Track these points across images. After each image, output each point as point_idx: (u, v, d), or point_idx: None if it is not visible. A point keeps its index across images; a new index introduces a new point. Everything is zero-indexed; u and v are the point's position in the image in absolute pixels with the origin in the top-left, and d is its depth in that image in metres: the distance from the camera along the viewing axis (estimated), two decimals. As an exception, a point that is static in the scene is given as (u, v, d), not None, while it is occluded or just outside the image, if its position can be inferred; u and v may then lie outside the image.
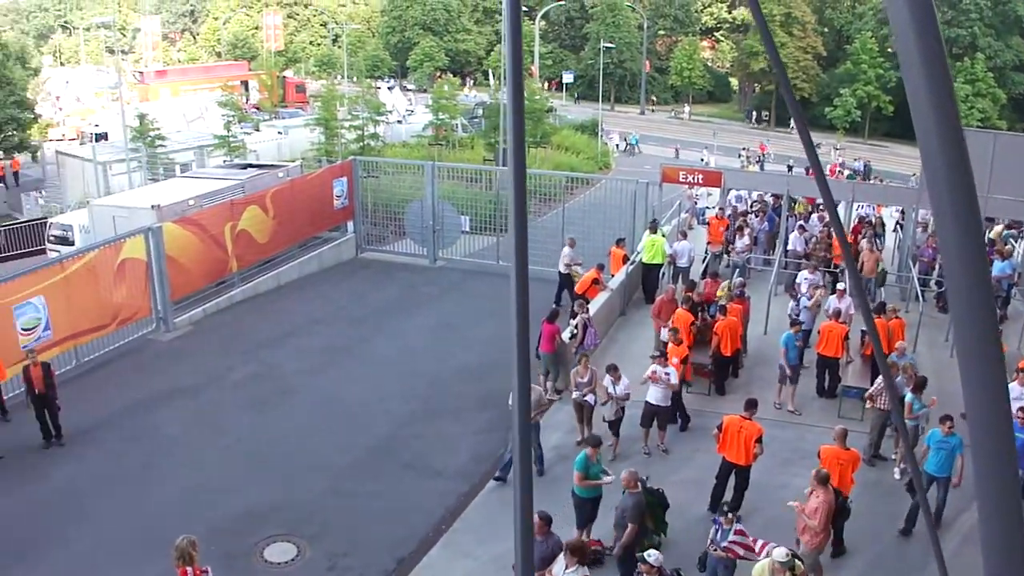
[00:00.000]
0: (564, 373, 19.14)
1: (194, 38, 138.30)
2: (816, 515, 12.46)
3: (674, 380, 16.71)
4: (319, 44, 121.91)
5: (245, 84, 68.98)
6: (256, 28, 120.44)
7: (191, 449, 17.94)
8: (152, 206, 25.05)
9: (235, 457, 17.53)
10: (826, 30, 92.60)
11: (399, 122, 53.96)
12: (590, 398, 16.77)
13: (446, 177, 30.07)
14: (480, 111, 63.56)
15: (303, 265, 28.30)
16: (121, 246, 22.64)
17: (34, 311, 20.36)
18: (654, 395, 16.68)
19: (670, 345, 17.95)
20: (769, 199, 32.30)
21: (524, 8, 62.60)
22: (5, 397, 19.06)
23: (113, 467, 17.31)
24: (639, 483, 13.15)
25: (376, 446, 17.62)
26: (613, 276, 23.76)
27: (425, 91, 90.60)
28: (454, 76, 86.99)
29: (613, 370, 16.46)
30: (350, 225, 30.70)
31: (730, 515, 12.40)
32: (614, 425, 16.78)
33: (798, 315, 20.47)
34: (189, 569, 11.71)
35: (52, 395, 17.85)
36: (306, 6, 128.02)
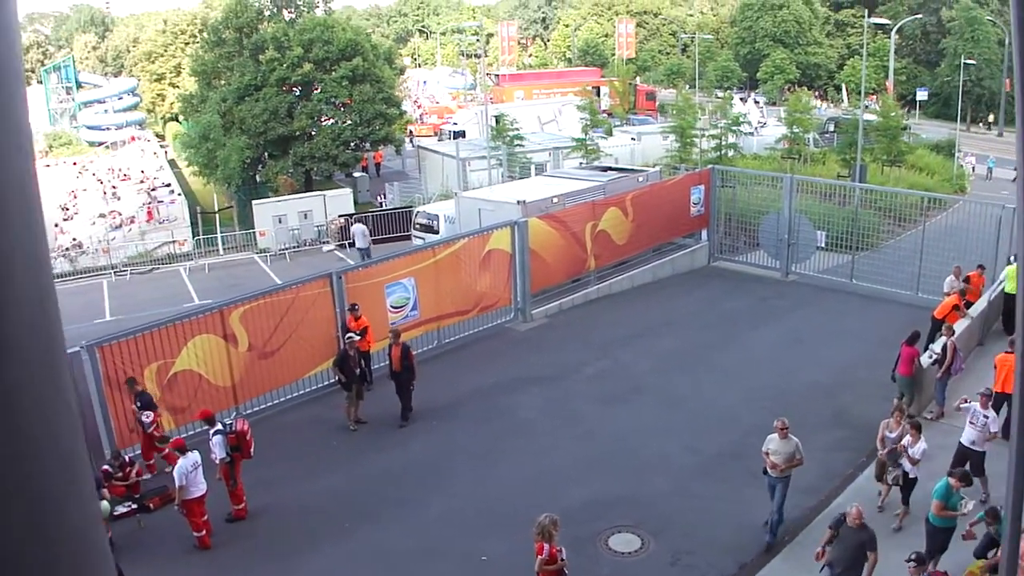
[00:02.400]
0: (919, 397, 18.71)
1: (544, 44, 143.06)
2: None
3: (994, 428, 15.37)
4: (668, 53, 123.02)
5: (597, 90, 70.77)
6: (606, 36, 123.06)
7: (543, 435, 18.99)
8: (518, 201, 26.48)
9: (584, 447, 18.37)
10: None
11: (750, 134, 53.78)
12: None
13: (801, 191, 29.84)
14: (831, 126, 62.18)
15: (657, 269, 29.03)
16: (488, 237, 24.17)
17: (403, 291, 22.19)
18: (967, 436, 15.64)
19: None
20: None
21: (877, 22, 60.49)
22: (374, 367, 20.86)
23: (467, 443, 18.62)
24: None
25: (723, 452, 17.87)
26: (972, 303, 22.86)
27: (774, 104, 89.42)
28: (805, 90, 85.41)
29: (915, 428, 15.20)
30: (704, 233, 31.09)
31: None
32: (903, 490, 15.42)
33: None
34: (547, 546, 12.48)
35: (407, 377, 19.36)
36: (656, 15, 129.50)
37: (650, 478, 16.98)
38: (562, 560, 12.64)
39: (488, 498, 16.46)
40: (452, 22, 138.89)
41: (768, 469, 14.61)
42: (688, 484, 16.81)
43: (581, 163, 42.19)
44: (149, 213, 54.68)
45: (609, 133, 52.21)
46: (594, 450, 18.22)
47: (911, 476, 15.02)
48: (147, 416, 17.78)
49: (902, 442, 15.16)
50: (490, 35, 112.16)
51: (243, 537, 15.97)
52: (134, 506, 16.96)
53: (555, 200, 27.45)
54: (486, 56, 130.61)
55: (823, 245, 28.81)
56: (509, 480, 17.10)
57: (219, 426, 16.22)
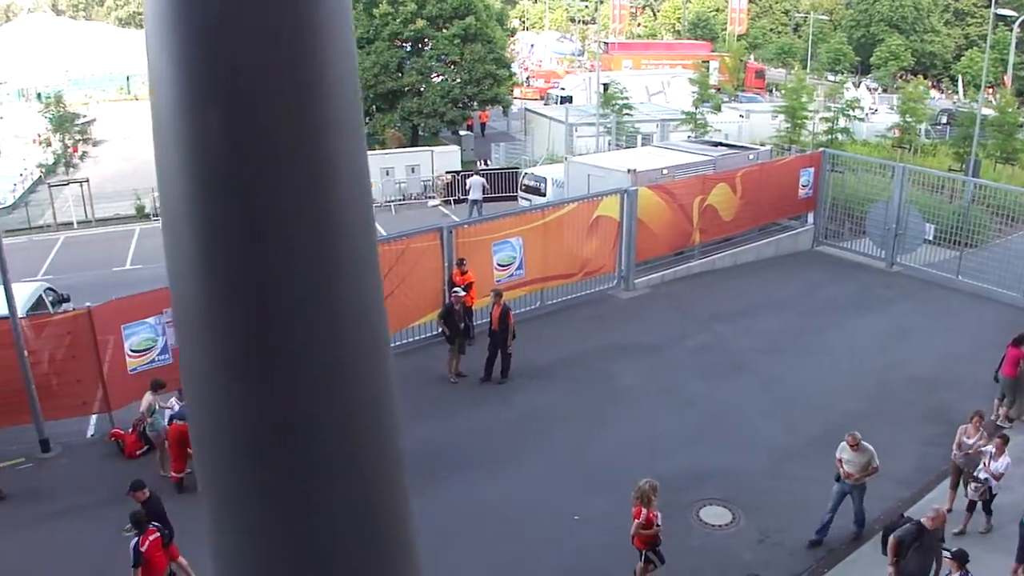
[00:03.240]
0: (1020, 400, 18.47)
1: (654, 14, 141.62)
2: None
3: None
4: (780, 32, 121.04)
5: (706, 64, 70.15)
6: (717, 10, 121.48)
7: (642, 402, 19.17)
8: (629, 170, 26.52)
9: (682, 418, 18.53)
10: None
11: (861, 120, 52.87)
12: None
13: (912, 182, 29.37)
14: (943, 118, 60.79)
15: (760, 249, 28.88)
16: (597, 203, 24.28)
17: (511, 250, 22.44)
18: None
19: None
20: None
21: (1002, 12, 58.79)
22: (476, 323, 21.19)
23: (564, 405, 18.86)
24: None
25: (820, 435, 17.78)
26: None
27: (886, 91, 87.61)
28: (920, 78, 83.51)
29: (1002, 441, 14.82)
30: (810, 216, 30.80)
31: None
32: (985, 505, 14.98)
33: None
34: (644, 510, 12.68)
35: (503, 336, 19.61)
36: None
37: (745, 455, 17.06)
38: (657, 526, 12.84)
39: (583, 460, 16.70)
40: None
41: (841, 476, 14.57)
42: (782, 465, 16.85)
43: (689, 136, 41.95)
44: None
45: (718, 109, 51.77)
46: (692, 422, 18.36)
47: (993, 492, 14.79)
48: None
49: (984, 452, 14.93)
50: (600, 1, 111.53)
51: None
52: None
53: (665, 171, 27.44)
54: (595, 23, 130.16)
55: (931, 238, 28.38)
56: (605, 444, 17.32)
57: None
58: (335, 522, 1.30)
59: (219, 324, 1.22)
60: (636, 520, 12.80)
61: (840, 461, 14.52)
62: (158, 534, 12.62)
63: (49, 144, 53.62)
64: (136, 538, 12.34)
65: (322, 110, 1.20)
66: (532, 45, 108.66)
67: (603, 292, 24.99)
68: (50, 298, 22.70)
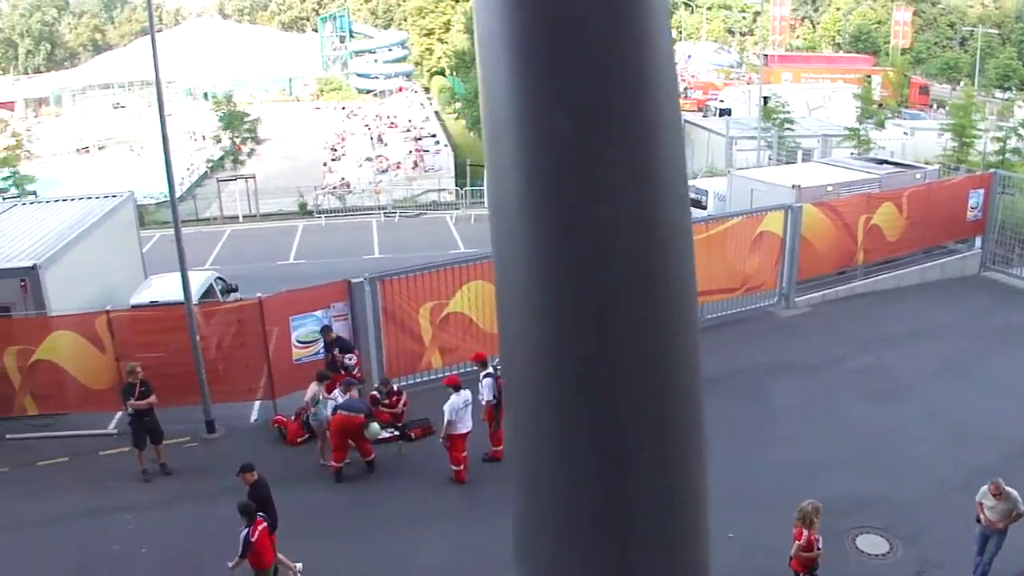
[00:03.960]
0: None
1: (813, 26, 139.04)
2: None
3: None
4: (945, 46, 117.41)
5: (869, 79, 68.56)
6: (879, 23, 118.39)
7: (800, 421, 18.84)
8: (793, 186, 26.12)
9: (841, 440, 18.08)
10: None
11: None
12: None
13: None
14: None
15: (925, 271, 28.01)
16: (761, 219, 23.99)
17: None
18: None
19: None
20: None
21: None
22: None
23: (722, 420, 18.51)
24: None
25: (986, 467, 17.00)
26: None
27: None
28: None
29: None
30: (978, 240, 29.76)
31: None
32: None
33: None
34: (806, 532, 12.45)
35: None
36: (933, 4, 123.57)
37: (906, 483, 16.53)
38: (818, 549, 12.62)
39: (740, 476, 16.45)
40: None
41: (982, 522, 13.98)
42: (945, 495, 16.25)
43: (852, 153, 41.05)
44: (416, 160, 56.80)
45: (881, 125, 50.53)
46: (851, 445, 17.93)
47: None
48: (350, 358, 18.67)
49: None
50: (757, 13, 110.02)
51: (497, 478, 16.61)
52: (396, 433, 17.90)
53: (829, 188, 26.92)
54: (751, 34, 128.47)
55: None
56: (763, 461, 17.08)
57: (490, 369, 16.89)
58: (644, 514, 1.37)
59: (545, 308, 1.30)
60: (797, 542, 12.60)
61: (981, 506, 13.96)
62: (265, 524, 12.92)
63: (219, 140, 55.62)
64: (247, 529, 12.65)
65: (649, 110, 1.27)
66: (689, 56, 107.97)
67: (763, 309, 24.67)
68: (219, 287, 23.63)
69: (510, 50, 1.26)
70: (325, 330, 19.00)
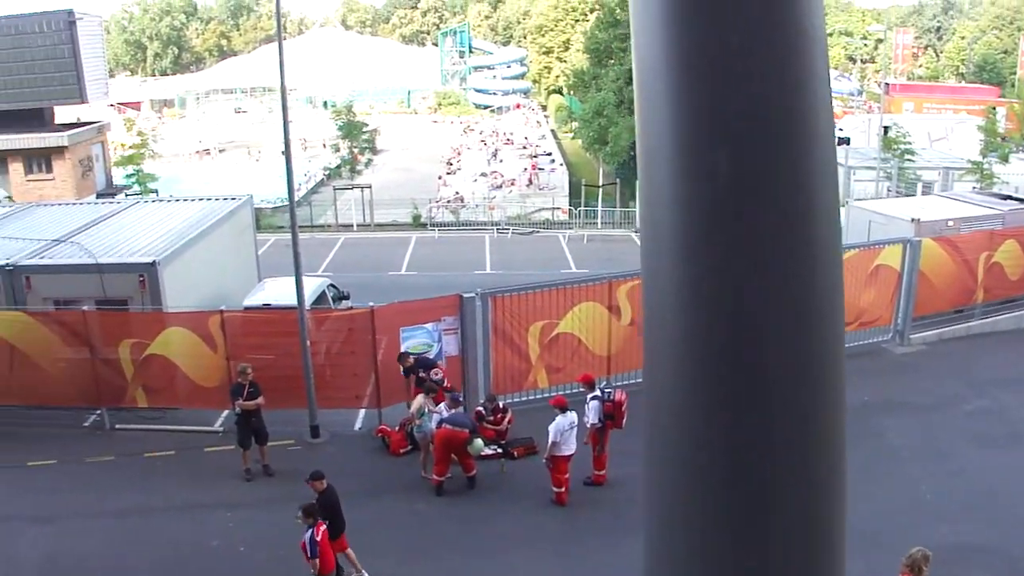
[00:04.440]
0: None
1: (937, 55, 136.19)
2: None
3: None
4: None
5: (994, 111, 66.76)
6: (1005, 52, 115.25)
7: (911, 463, 18.25)
8: (912, 219, 25.53)
9: (954, 485, 17.49)
10: None
11: None
12: None
13: None
14: None
15: (1049, 313, 27.13)
16: (878, 252, 23.48)
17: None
18: None
19: None
20: None
21: None
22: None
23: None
24: None
25: (1110, 524, 16.55)
26: None
27: None
28: None
29: None
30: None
31: None
32: None
33: None
34: (917, 580, 12.05)
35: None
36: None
37: (1019, 534, 15.95)
38: (925, 598, 12.22)
39: (848, 516, 16.05)
40: (840, 23, 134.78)
41: None
42: (1066, 548, 15.71)
43: (974, 187, 40.00)
44: (530, 178, 57.06)
45: (1005, 159, 49.12)
46: (965, 491, 17.33)
47: None
48: (436, 373, 18.63)
49: None
50: (880, 41, 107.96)
51: (598, 502, 16.51)
52: (499, 451, 17.89)
53: (950, 223, 26.23)
54: (873, 62, 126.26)
55: None
56: (870, 503, 16.58)
57: (597, 392, 16.78)
58: (780, 549, 1.38)
59: (693, 334, 1.34)
60: (904, 588, 12.24)
61: None
62: (325, 527, 12.96)
63: (337, 149, 56.59)
64: (310, 530, 12.72)
65: (807, 144, 1.32)
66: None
67: (876, 344, 24.07)
68: (331, 294, 23.97)
69: (669, 79, 1.31)
70: (402, 357, 19.01)
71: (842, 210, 31.40)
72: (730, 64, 1.27)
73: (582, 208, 44.87)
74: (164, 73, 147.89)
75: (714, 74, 1.27)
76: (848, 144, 54.30)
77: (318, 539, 12.65)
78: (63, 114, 52.20)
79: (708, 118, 1.28)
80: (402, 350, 19.20)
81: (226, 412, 19.64)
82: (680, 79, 1.29)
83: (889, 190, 41.68)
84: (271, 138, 75.54)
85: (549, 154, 66.41)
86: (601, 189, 48.58)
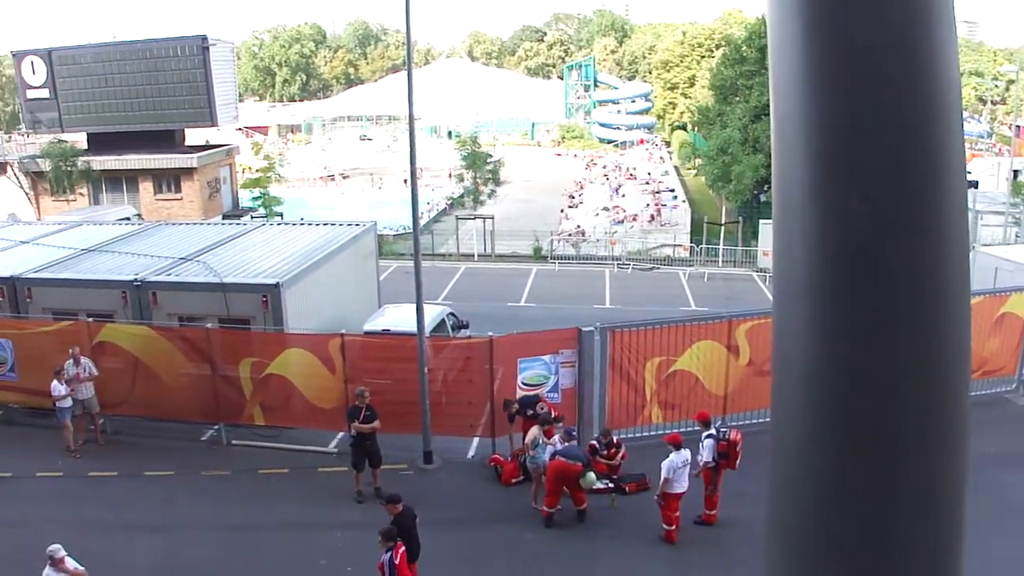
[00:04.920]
0: None
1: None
2: None
3: None
4: None
5: None
6: None
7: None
8: (1038, 266, 24.92)
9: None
10: None
11: None
12: None
13: None
14: None
15: None
16: (1005, 299, 22.88)
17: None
18: None
19: None
20: None
21: None
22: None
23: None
24: None
25: None
26: None
27: None
28: None
29: None
30: None
31: None
32: None
33: None
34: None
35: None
36: None
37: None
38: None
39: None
40: (970, 63, 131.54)
41: None
42: None
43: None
44: (653, 214, 56.98)
45: None
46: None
47: None
48: (541, 407, 18.63)
49: None
50: (1011, 82, 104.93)
51: (708, 542, 16.42)
52: (611, 485, 17.91)
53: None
54: (1004, 104, 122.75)
55: None
56: (986, 557, 16.03)
57: (712, 431, 16.72)
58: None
59: (825, 379, 1.39)
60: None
61: None
62: (404, 549, 13.14)
63: (461, 179, 57.30)
64: (389, 552, 12.87)
65: (943, 190, 1.34)
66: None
67: (998, 395, 23.36)
68: (451, 322, 24.26)
69: (808, 123, 1.34)
70: (507, 404, 19.11)
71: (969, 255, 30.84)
72: (865, 105, 1.30)
73: (703, 245, 44.64)
74: (291, 99, 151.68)
75: (850, 114, 1.31)
76: (976, 188, 53.08)
77: (396, 562, 12.90)
78: (192, 136, 54.02)
79: (844, 157, 1.32)
80: (507, 398, 19.37)
81: (341, 434, 20.09)
82: (816, 118, 1.33)
83: (1018, 236, 40.51)
84: (395, 166, 77.02)
85: (672, 190, 66.30)
86: (723, 227, 48.30)
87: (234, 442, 20.67)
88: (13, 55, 52.85)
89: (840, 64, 1.32)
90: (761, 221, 43.92)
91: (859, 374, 1.37)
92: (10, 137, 63.55)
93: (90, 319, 21.09)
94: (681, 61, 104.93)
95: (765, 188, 51.69)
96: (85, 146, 51.61)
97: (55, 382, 19.52)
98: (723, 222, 49.49)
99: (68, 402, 19.74)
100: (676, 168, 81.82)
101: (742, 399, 19.97)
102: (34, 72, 50.29)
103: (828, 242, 1.36)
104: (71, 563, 13.04)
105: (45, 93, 50.26)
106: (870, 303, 1.34)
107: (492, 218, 46.04)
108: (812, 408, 1.41)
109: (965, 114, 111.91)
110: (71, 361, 19.94)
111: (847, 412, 1.38)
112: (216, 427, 20.93)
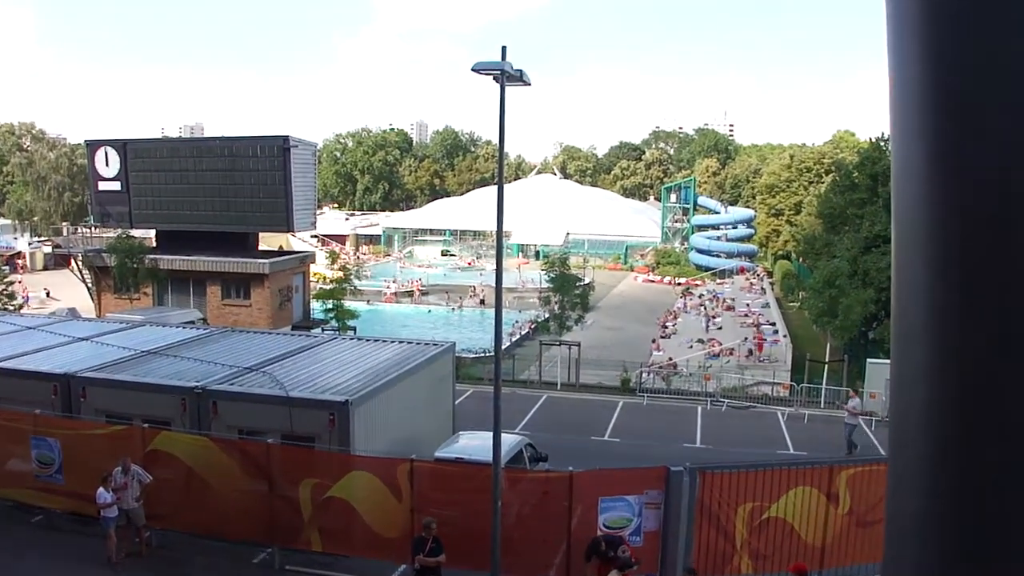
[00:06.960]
0: None
1: None
2: None
3: None
4: None
5: None
6: None
7: None
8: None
9: None
10: None
11: None
12: None
13: None
14: None
15: None
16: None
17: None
18: None
19: None
20: None
21: None
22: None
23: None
24: None
25: None
26: None
27: None
28: None
29: None
30: None
31: None
32: None
33: None
34: None
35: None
36: None
37: None
38: None
39: None
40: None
41: None
42: None
43: None
44: (751, 349, 56.35)
45: None
46: None
47: None
48: (624, 551, 18.25)
49: None
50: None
51: None
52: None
53: None
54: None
55: None
56: None
57: (807, 585, 16.33)
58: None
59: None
60: None
61: None
62: None
63: (548, 302, 57.49)
64: None
65: None
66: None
67: None
68: (528, 454, 24.02)
69: (927, 245, 1.35)
70: (595, 544, 18.83)
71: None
72: (986, 227, 1.28)
73: (805, 384, 43.96)
74: (372, 208, 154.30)
75: (972, 237, 1.29)
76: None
77: None
78: (266, 240, 54.83)
79: (967, 286, 1.31)
80: (595, 536, 19.06)
81: (403, 566, 19.86)
82: (938, 240, 1.33)
83: None
84: (478, 283, 77.66)
85: (772, 323, 65.72)
86: (827, 365, 47.53)
87: (287, 567, 20.49)
88: (87, 144, 54.09)
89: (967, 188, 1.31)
90: (868, 360, 43.19)
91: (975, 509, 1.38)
92: (76, 229, 65.36)
93: (145, 425, 21.33)
94: (788, 186, 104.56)
95: (874, 325, 50.95)
96: (153, 243, 52.76)
97: (101, 489, 19.68)
98: (827, 360, 48.65)
99: (114, 511, 19.85)
100: (777, 300, 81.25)
101: (841, 552, 19.44)
102: (107, 164, 51.45)
103: (944, 382, 1.35)
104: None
105: (116, 186, 51.35)
106: (988, 447, 1.34)
107: (578, 345, 45.86)
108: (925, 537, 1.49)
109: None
110: (120, 468, 20.11)
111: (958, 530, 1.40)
112: (269, 550, 20.78)
